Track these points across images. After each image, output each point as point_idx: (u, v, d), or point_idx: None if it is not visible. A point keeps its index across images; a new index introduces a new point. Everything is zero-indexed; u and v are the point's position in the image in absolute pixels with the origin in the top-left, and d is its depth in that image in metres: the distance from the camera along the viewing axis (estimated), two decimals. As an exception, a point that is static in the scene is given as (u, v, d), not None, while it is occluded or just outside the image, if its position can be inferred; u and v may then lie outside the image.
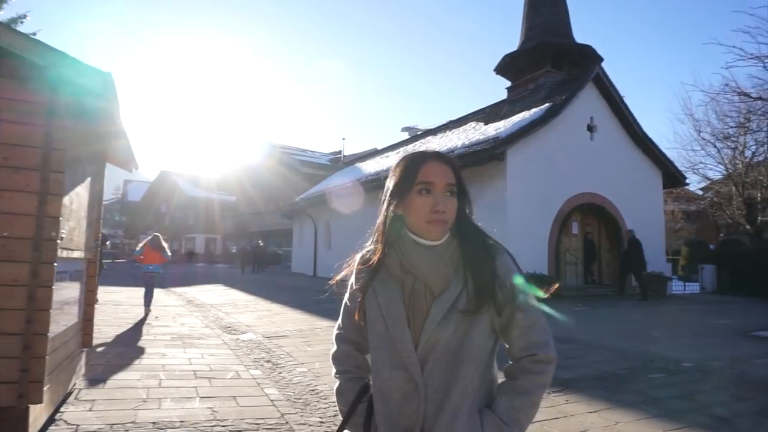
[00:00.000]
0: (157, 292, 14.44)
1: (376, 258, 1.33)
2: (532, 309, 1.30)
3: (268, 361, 5.97)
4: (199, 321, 9.21)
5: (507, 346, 1.33)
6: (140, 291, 12.22)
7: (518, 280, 1.31)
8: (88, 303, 4.66)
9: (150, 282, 10.09)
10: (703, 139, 19.95)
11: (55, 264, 3.00)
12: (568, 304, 12.08)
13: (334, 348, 1.44)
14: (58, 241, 3.07)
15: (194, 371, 5.32)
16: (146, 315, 9.56)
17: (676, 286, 17.40)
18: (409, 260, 1.28)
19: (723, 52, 10.37)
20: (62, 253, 3.31)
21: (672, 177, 16.72)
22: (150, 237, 10.71)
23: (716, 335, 8.23)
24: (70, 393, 4.18)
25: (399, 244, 1.30)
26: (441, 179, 1.28)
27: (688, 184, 18.73)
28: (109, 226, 70.23)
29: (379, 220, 1.36)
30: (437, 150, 1.43)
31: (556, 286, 1.49)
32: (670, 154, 17.31)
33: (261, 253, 29.39)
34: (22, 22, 15.80)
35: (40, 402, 2.95)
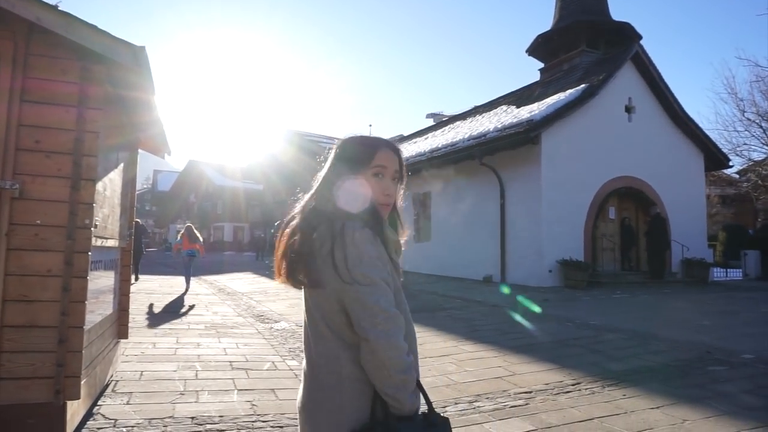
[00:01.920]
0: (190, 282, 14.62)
1: (379, 232, 1.34)
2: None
3: (304, 351, 5.82)
4: (231, 310, 9.14)
5: None
6: (172, 279, 13.43)
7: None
8: (123, 293, 4.55)
9: (189, 263, 12.75)
10: (748, 119, 19.12)
11: (89, 253, 2.85)
12: (606, 291, 11.70)
13: (397, 339, 1.23)
14: (92, 229, 2.93)
15: (230, 362, 5.20)
16: (186, 290, 11.85)
17: (718, 273, 16.76)
18: (388, 238, 1.37)
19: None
20: (96, 242, 3.17)
21: (714, 159, 16.00)
22: (185, 228, 13.27)
23: (771, 324, 7.80)
24: (108, 385, 4.08)
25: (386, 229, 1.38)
26: (391, 165, 1.38)
27: (731, 167, 17.96)
28: (141, 215, 71.57)
29: (349, 184, 1.35)
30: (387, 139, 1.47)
31: None
32: (712, 135, 16.54)
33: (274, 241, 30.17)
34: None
35: (78, 398, 2.82)
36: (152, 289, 12.26)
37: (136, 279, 14.66)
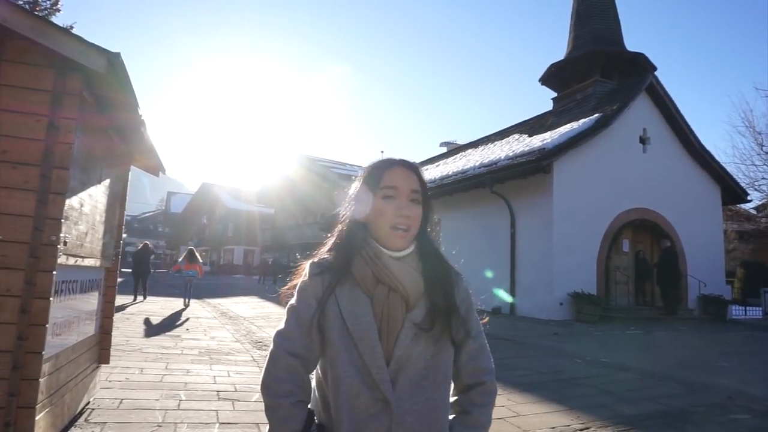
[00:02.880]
0: (192, 303, 14.45)
1: (337, 266, 1.24)
2: (482, 335, 1.31)
3: (298, 382, 5.53)
4: (230, 334, 8.88)
5: (456, 372, 1.29)
6: (176, 301, 13.47)
7: (474, 306, 1.30)
8: (106, 315, 4.33)
9: (188, 283, 13.83)
10: (766, 153, 18.68)
11: (55, 272, 2.64)
12: (619, 327, 11.27)
13: (273, 360, 1.21)
14: (61, 246, 2.73)
15: (218, 391, 4.92)
16: (186, 306, 13.18)
17: (736, 311, 16.17)
18: (384, 270, 1.20)
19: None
20: (68, 261, 2.97)
21: (732, 193, 15.61)
22: (187, 251, 14.79)
23: (795, 368, 7.35)
24: (81, 414, 3.83)
25: (368, 252, 1.22)
26: (406, 184, 1.24)
27: (750, 201, 17.49)
28: (153, 237, 72.10)
29: (340, 226, 1.32)
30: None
31: (485, 320, 1.40)
32: (729, 169, 16.17)
33: (278, 267, 32.40)
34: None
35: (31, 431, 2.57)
36: (153, 311, 12.06)
37: (144, 298, 14.95)
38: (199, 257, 14.55)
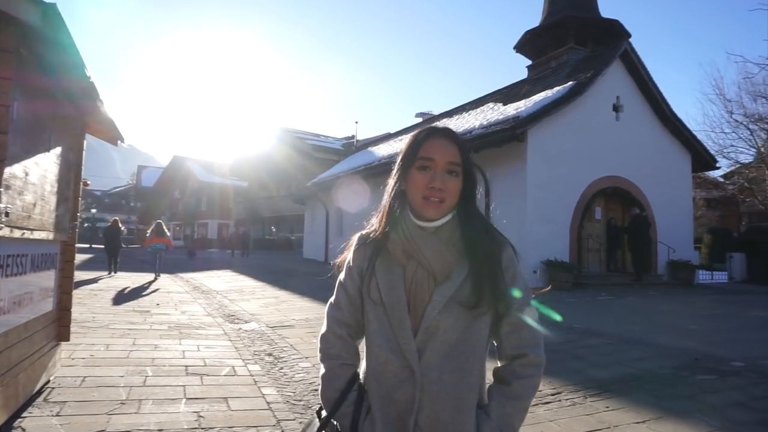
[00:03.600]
0: (164, 278, 14.23)
1: (377, 238, 1.29)
2: (527, 307, 1.26)
3: (270, 354, 5.46)
4: (201, 309, 8.73)
5: (496, 343, 1.30)
6: (147, 276, 13.30)
7: (521, 277, 1.26)
8: (64, 291, 4.14)
9: (156, 256, 14.28)
10: (735, 120, 18.99)
11: (-6, 245, 2.46)
12: (591, 293, 11.45)
13: (325, 328, 1.35)
14: (2, 217, 2.53)
15: (186, 366, 4.81)
16: (155, 278, 13.54)
17: (703, 275, 16.61)
18: (412, 243, 1.22)
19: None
20: (12, 233, 2.78)
21: (702, 160, 15.85)
22: (155, 225, 15.17)
23: (759, 330, 7.55)
24: (39, 393, 3.68)
25: (402, 225, 1.24)
26: (442, 156, 1.22)
27: (719, 168, 17.82)
28: (125, 211, 70.60)
29: (384, 197, 1.32)
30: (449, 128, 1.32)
31: (548, 288, 1.65)
32: (699, 136, 16.34)
33: (247, 239, 32.71)
34: None
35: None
36: (124, 286, 11.80)
37: (115, 272, 15.10)
38: (167, 230, 15.21)
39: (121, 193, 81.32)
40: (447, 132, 1.28)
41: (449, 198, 1.21)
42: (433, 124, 1.40)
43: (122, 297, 9.81)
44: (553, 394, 4.09)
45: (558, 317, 7.45)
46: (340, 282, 1.36)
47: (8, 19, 2.37)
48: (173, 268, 18.38)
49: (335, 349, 1.31)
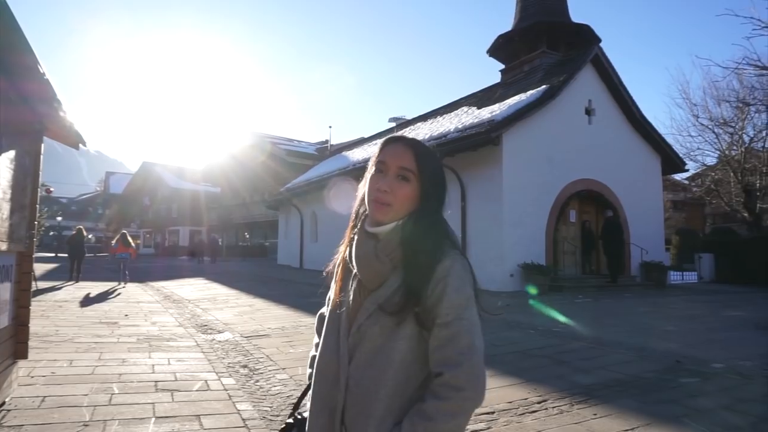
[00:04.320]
0: (134, 287, 13.81)
1: (343, 246, 1.34)
2: (459, 323, 1.14)
3: (245, 366, 5.23)
4: (172, 319, 8.41)
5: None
6: (112, 284, 12.97)
7: (455, 291, 1.15)
8: (21, 305, 3.87)
9: (121, 264, 14.81)
10: (701, 124, 19.44)
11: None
12: (568, 296, 11.48)
13: (316, 324, 1.49)
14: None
15: (156, 382, 4.55)
16: (121, 285, 14.02)
17: (674, 276, 16.90)
18: (352, 251, 1.26)
19: (742, 23, 9.45)
20: (-43, 245, 2.53)
21: (671, 163, 16.15)
22: (120, 235, 15.91)
23: (734, 329, 7.62)
24: (-7, 416, 3.41)
25: (356, 233, 1.29)
26: (394, 161, 1.23)
27: (687, 170, 18.19)
28: (92, 219, 68.70)
29: (355, 203, 1.35)
30: (408, 136, 1.32)
31: (503, 310, 1.70)
32: (667, 140, 16.70)
33: (215, 246, 34.05)
34: None
35: None
36: (89, 297, 11.35)
37: (76, 281, 15.11)
38: (131, 241, 16.08)
39: (89, 200, 79.15)
40: (405, 139, 1.27)
41: (397, 203, 1.20)
42: (400, 132, 1.33)
43: (88, 308, 9.41)
44: (539, 402, 3.99)
45: (564, 318, 7.45)
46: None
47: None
48: (143, 277, 17.86)
49: (316, 344, 1.41)
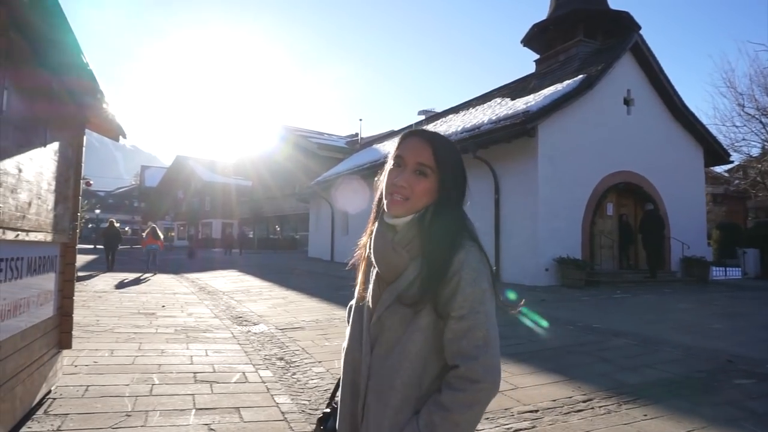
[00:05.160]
0: (170, 278, 14.09)
1: (365, 238, 1.36)
2: (474, 316, 1.15)
3: (281, 359, 5.22)
4: (208, 310, 8.51)
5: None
6: (152, 277, 14.83)
7: (470, 283, 1.15)
8: (65, 296, 3.92)
9: (150, 255, 16.19)
10: (747, 113, 18.64)
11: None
12: (605, 291, 11.19)
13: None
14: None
15: (194, 373, 4.58)
16: (150, 274, 15.17)
17: (717, 272, 16.32)
18: (371, 243, 1.28)
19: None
20: (5, 234, 2.54)
21: (714, 154, 15.54)
22: (149, 228, 17.55)
23: (785, 327, 7.28)
24: (40, 405, 3.46)
25: (377, 225, 1.30)
26: (412, 155, 1.23)
27: (732, 162, 17.46)
28: (128, 212, 70.55)
29: (376, 195, 1.35)
30: (435, 130, 1.42)
31: (520, 305, 1.52)
32: (710, 130, 16.03)
33: (244, 238, 34.74)
34: None
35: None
36: (124, 284, 11.60)
37: (111, 269, 16.65)
38: (160, 233, 17.68)
39: (125, 194, 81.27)
40: (424, 133, 1.28)
41: (414, 198, 1.21)
42: (440, 127, 1.26)
43: (127, 299, 9.60)
44: (584, 401, 3.85)
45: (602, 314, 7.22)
46: None
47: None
48: (177, 269, 18.21)
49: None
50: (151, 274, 15.24)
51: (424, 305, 1.17)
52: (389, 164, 1.28)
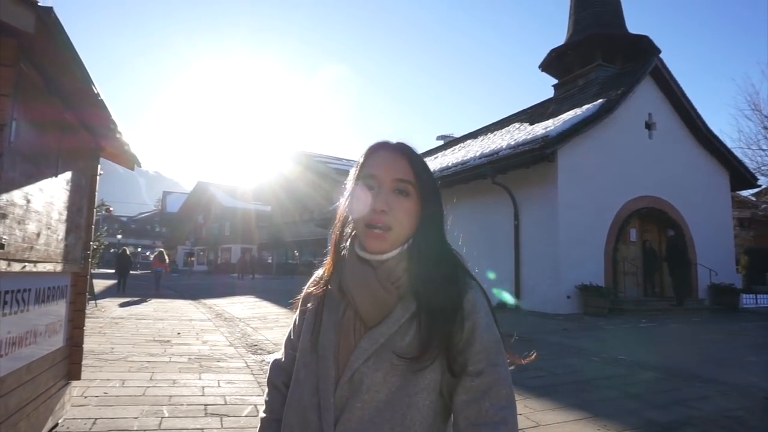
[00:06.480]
0: (187, 304, 14.06)
1: (324, 274, 1.11)
2: (494, 371, 0.93)
3: (294, 391, 5.07)
4: (223, 338, 8.42)
5: (453, 415, 0.96)
6: (169, 303, 15.17)
7: (486, 331, 0.95)
8: (75, 326, 3.86)
9: (156, 276, 19.28)
10: (773, 136, 18.22)
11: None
12: (630, 320, 10.84)
13: (269, 374, 1.23)
14: (-3, 250, 2.25)
15: (205, 405, 4.46)
16: (155, 292, 17.55)
17: (747, 299, 15.75)
18: (344, 278, 1.01)
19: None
20: (10, 266, 2.49)
21: (740, 178, 15.17)
22: (157, 252, 20.51)
23: (824, 360, 6.91)
24: (45, 439, 3.37)
25: (346, 257, 1.04)
26: (387, 172, 0.98)
27: (760, 186, 17.01)
28: (150, 237, 71.56)
29: (335, 223, 1.12)
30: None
31: (533, 356, 1.12)
32: (735, 154, 15.68)
33: (256, 263, 35.83)
34: None
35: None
36: (144, 314, 11.59)
37: (123, 291, 17.87)
38: (166, 257, 20.72)
39: (147, 219, 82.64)
40: (396, 144, 1.03)
41: (397, 225, 0.97)
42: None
43: (141, 325, 9.57)
44: (611, 442, 3.63)
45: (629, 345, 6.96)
46: (290, 331, 1.22)
47: (8, 29, 2.12)
48: (195, 294, 18.24)
49: (270, 401, 1.17)
50: (155, 292, 17.61)
51: (432, 359, 0.93)
52: (355, 186, 1.02)
